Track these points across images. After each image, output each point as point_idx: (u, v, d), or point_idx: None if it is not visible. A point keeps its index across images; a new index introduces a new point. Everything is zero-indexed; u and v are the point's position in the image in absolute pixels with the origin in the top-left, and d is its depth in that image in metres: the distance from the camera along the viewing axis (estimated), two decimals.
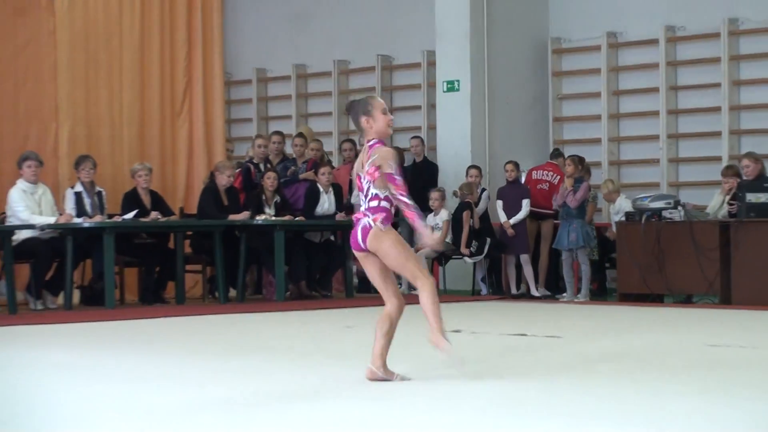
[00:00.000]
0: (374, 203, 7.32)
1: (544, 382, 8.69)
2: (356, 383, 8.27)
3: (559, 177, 16.63)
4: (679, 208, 15.62)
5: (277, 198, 16.94)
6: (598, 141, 18.09)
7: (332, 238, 17.67)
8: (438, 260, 17.45)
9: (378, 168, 7.25)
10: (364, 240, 7.33)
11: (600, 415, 7.43)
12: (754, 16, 16.78)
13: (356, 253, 7.55)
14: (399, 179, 7.47)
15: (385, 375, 7.67)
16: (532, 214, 16.80)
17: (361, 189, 7.45)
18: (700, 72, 17.51)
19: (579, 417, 7.05)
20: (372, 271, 7.51)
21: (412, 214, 7.32)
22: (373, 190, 7.30)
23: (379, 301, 15.85)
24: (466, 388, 7.98)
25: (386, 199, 7.38)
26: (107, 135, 17.47)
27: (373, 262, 7.47)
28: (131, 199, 16.28)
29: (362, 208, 7.44)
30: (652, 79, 17.67)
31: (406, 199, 7.26)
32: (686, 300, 15.46)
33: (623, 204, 16.12)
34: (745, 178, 15.02)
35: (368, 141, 7.40)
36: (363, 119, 7.32)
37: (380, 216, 7.34)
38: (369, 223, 7.34)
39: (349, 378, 8.88)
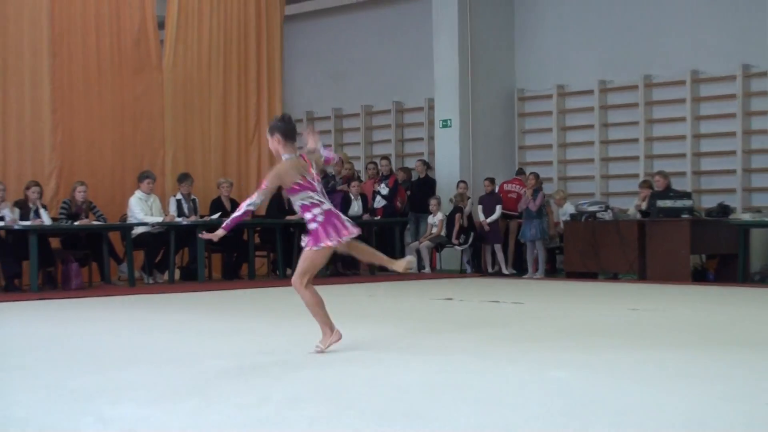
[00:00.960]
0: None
1: (508, 330, 9.46)
2: (379, 339, 8.79)
3: (522, 188, 16.82)
4: (609, 210, 16.04)
5: None
6: (550, 163, 18.22)
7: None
8: (436, 248, 17.65)
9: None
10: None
11: (546, 346, 8.24)
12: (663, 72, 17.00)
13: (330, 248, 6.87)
14: (265, 183, 6.96)
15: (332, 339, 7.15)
16: (503, 215, 16.98)
17: (314, 189, 6.79)
18: (626, 114, 17.50)
19: (525, 349, 7.90)
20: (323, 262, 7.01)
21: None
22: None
23: (392, 278, 16.27)
24: (452, 342, 8.69)
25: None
26: (200, 158, 17.73)
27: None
28: (216, 205, 16.58)
29: (331, 206, 6.90)
30: (591, 118, 17.64)
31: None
32: (613, 276, 15.82)
33: (569, 208, 16.42)
34: (656, 189, 15.34)
35: (301, 154, 6.79)
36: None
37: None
38: (356, 231, 6.95)
39: (374, 332, 9.68)
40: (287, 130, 6.81)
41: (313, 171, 6.79)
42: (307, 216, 6.82)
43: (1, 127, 15.75)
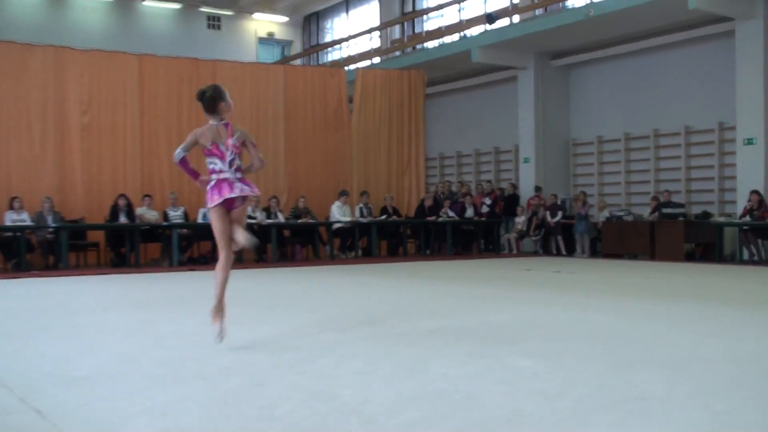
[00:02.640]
0: (239, 174, 5.25)
1: (569, 288, 9.58)
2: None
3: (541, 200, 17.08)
4: (631, 214, 15.97)
5: (448, 210, 17.15)
6: (593, 185, 17.80)
7: (464, 227, 17.51)
8: (520, 238, 17.54)
9: (243, 144, 5.28)
10: (243, 201, 5.28)
11: (591, 297, 8.34)
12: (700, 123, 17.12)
13: (218, 208, 5.21)
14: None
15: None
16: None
17: (222, 158, 5.20)
18: (641, 153, 17.02)
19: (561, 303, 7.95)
20: (225, 224, 5.21)
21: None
22: (237, 162, 5.25)
23: (487, 256, 15.77)
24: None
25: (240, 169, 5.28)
26: (373, 182, 17.79)
27: (227, 216, 5.22)
28: (384, 211, 16.83)
29: (229, 176, 5.20)
30: (618, 156, 17.25)
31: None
32: (633, 257, 15.49)
33: (605, 213, 16.22)
34: (662, 201, 15.21)
35: (222, 121, 5.26)
36: (222, 104, 5.24)
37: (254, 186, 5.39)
38: (247, 191, 5.25)
39: (486, 289, 9.53)
40: (206, 106, 5.25)
41: (231, 142, 5.24)
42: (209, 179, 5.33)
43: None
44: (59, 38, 18.47)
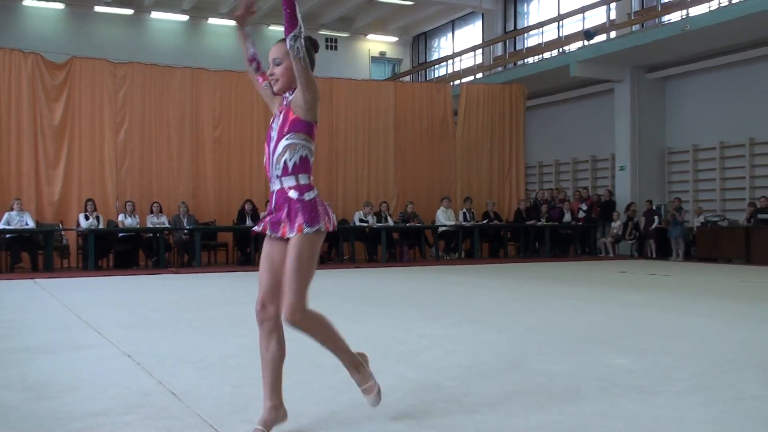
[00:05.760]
0: (288, 182, 2.87)
1: (663, 289, 9.33)
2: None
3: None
4: (725, 220, 15.41)
5: (547, 215, 16.97)
6: (687, 191, 17.14)
7: (562, 231, 17.25)
8: (616, 242, 16.87)
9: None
10: (292, 229, 2.84)
11: (686, 298, 8.03)
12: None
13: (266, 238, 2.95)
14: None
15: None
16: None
17: (267, 145, 2.92)
18: (737, 161, 16.44)
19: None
20: (266, 265, 2.94)
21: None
22: (287, 157, 2.85)
23: (582, 258, 15.63)
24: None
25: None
26: (476, 188, 17.53)
27: (276, 251, 2.91)
28: (486, 215, 16.40)
29: (273, 186, 2.93)
30: (713, 164, 16.60)
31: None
32: (728, 261, 14.90)
33: (701, 218, 15.66)
34: (759, 207, 14.57)
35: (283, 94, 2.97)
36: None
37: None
38: (279, 231, 2.85)
39: (580, 291, 9.37)
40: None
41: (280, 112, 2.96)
42: (301, 181, 2.90)
43: (368, 172, 16.67)
44: (196, 60, 19.06)
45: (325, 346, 3.01)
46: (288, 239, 2.89)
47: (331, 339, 3.00)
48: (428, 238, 16.09)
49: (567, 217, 17.22)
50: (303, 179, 2.93)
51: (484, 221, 16.50)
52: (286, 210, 2.91)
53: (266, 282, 2.96)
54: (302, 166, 2.92)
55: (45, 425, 3.05)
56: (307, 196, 2.92)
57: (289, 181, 2.92)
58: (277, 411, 2.92)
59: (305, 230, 2.87)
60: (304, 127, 2.91)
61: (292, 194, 2.91)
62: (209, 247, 14.71)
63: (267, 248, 2.99)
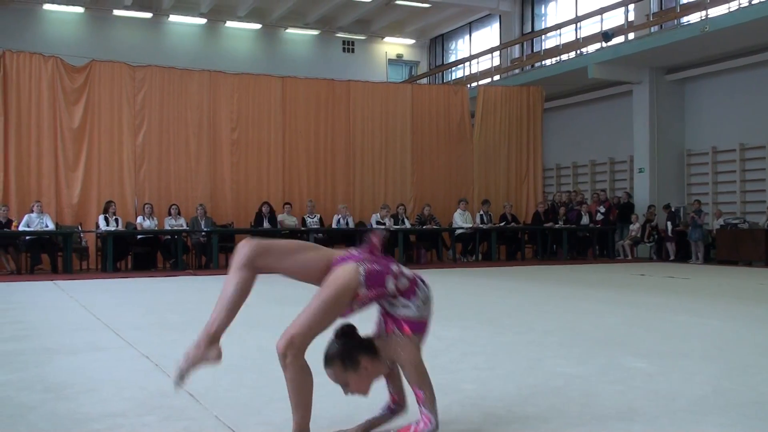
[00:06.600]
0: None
1: (682, 292, 9.22)
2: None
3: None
4: (746, 222, 15.33)
5: (565, 217, 16.85)
6: (707, 194, 17.06)
7: (580, 233, 17.16)
8: (635, 244, 16.83)
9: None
10: None
11: (706, 300, 7.95)
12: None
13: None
14: None
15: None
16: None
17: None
18: (757, 163, 16.33)
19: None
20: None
21: None
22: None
23: (599, 261, 15.01)
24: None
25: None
26: (493, 190, 17.50)
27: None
28: (503, 218, 16.48)
29: None
30: (733, 166, 16.52)
31: None
32: (748, 263, 14.79)
33: (720, 221, 15.59)
34: None
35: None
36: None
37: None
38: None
39: (599, 293, 9.29)
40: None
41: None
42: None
43: (385, 174, 16.67)
44: (213, 63, 19.21)
45: (291, 396, 2.67)
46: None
47: (301, 395, 2.66)
48: (445, 240, 16.08)
49: (585, 220, 17.12)
50: None
51: (502, 223, 16.44)
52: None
53: (291, 259, 2.80)
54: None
55: (63, 426, 3.07)
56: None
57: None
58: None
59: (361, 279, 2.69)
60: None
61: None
62: (227, 249, 14.61)
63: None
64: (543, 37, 21.86)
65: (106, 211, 13.26)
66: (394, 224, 15.12)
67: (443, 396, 3.45)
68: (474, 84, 21.28)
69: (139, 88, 14.69)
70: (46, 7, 21.31)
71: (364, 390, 2.75)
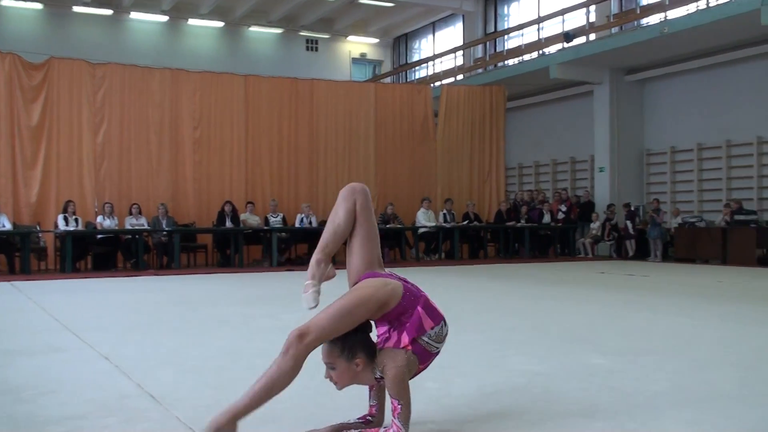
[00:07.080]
0: None
1: (642, 289, 9.33)
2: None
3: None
4: (703, 221, 15.50)
5: (527, 216, 17.00)
6: (665, 192, 17.29)
7: (541, 232, 17.32)
8: (595, 242, 16.99)
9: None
10: None
11: (662, 297, 8.02)
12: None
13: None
14: None
15: None
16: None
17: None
18: (714, 162, 16.60)
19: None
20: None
21: None
22: None
23: (564, 259, 15.29)
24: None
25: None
26: (456, 190, 17.54)
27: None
28: (466, 216, 16.55)
29: None
30: (691, 165, 16.73)
31: None
32: (705, 261, 14.97)
33: (678, 219, 15.82)
34: (733, 208, 14.68)
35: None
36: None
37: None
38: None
39: (546, 290, 9.39)
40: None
41: None
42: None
43: (348, 173, 16.55)
44: (175, 61, 19.02)
45: (258, 385, 2.62)
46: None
47: (265, 390, 2.61)
48: (408, 239, 16.08)
49: (546, 218, 17.30)
50: None
51: (465, 222, 16.51)
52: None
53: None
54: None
55: (22, 429, 3.01)
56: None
57: None
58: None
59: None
60: None
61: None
62: (189, 248, 14.64)
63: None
64: (506, 37, 22.06)
65: (65, 210, 13.07)
66: None
67: None
68: (437, 83, 21.35)
69: (99, 86, 14.47)
70: (4, 2, 20.96)
71: (343, 382, 2.76)
